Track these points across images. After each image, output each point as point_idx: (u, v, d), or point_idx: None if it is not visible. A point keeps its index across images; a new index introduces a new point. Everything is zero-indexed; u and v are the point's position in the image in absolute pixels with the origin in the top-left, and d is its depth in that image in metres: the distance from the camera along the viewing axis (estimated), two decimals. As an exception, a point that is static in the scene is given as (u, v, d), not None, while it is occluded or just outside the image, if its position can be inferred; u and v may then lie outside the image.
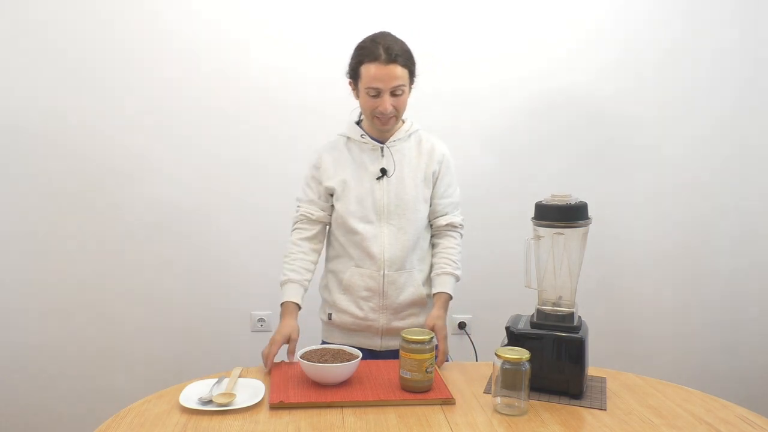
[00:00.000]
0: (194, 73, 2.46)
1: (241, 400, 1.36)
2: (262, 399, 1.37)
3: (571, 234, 1.48)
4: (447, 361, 1.67)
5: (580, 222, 1.47)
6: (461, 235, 1.81)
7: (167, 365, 2.57)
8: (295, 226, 1.79)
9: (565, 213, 1.46)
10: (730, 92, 2.67)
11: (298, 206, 1.80)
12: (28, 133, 2.42)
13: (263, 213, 2.55)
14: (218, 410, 1.31)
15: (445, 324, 1.66)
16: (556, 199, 1.49)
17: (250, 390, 1.41)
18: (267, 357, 1.56)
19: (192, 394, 1.38)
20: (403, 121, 1.76)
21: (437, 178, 1.75)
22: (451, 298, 1.72)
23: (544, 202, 1.50)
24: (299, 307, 1.70)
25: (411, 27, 2.32)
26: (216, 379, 1.47)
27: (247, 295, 2.59)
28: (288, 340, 1.61)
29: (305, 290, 1.73)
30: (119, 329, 2.54)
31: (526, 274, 1.52)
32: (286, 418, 1.30)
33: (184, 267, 2.55)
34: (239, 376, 1.49)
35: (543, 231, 1.50)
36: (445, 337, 1.63)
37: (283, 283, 1.72)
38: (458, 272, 1.74)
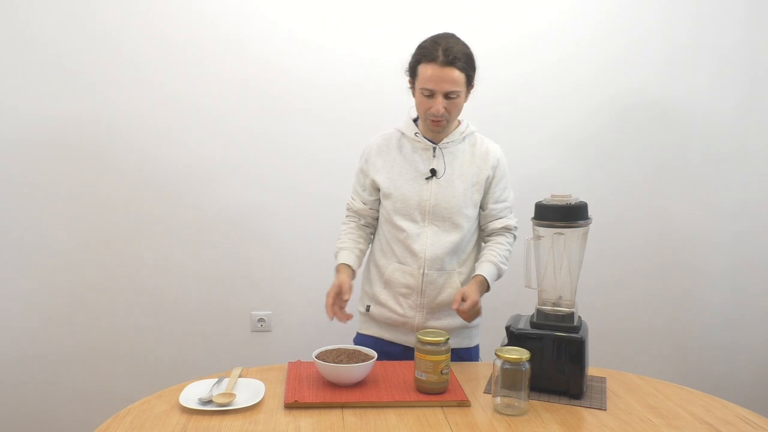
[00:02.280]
0: (196, 76, 2.46)
1: (241, 400, 1.36)
2: (262, 399, 1.37)
3: (571, 234, 1.48)
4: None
5: (580, 222, 1.47)
6: (515, 237, 1.79)
7: (167, 365, 2.57)
8: (346, 214, 1.85)
9: (565, 213, 1.46)
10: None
11: (351, 196, 1.84)
12: (31, 137, 2.42)
13: (263, 213, 2.55)
14: (218, 410, 1.31)
15: (474, 292, 1.61)
16: (556, 199, 1.49)
17: (250, 390, 1.41)
18: (330, 308, 1.62)
19: (192, 394, 1.38)
20: (459, 122, 1.74)
21: (491, 183, 1.73)
22: (486, 281, 1.67)
23: (544, 202, 1.50)
24: (353, 271, 1.73)
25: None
26: (216, 379, 1.47)
27: (247, 295, 2.59)
28: (340, 291, 1.64)
29: (358, 259, 1.77)
30: (119, 329, 2.54)
31: (526, 274, 1.52)
32: (286, 418, 1.30)
33: (184, 267, 2.55)
34: (239, 376, 1.49)
35: (543, 231, 1.50)
36: (476, 302, 1.60)
37: (336, 253, 1.77)
38: (502, 265, 1.71)
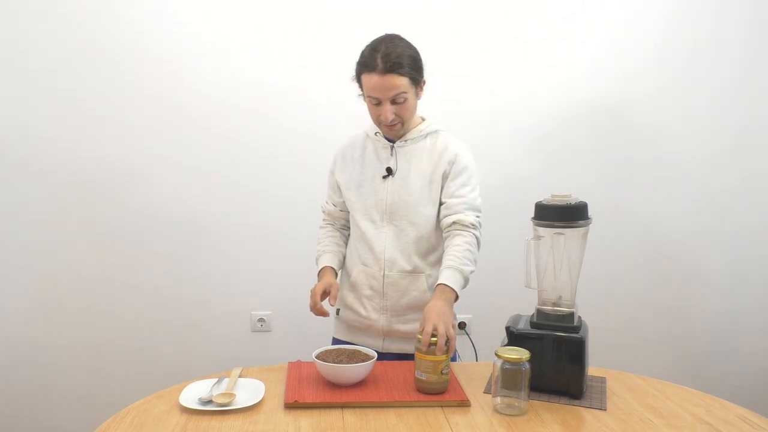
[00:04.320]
0: (195, 78, 2.46)
1: (241, 400, 1.36)
2: (262, 399, 1.37)
3: (571, 234, 1.48)
4: (453, 359, 1.64)
5: (580, 222, 1.47)
6: (474, 235, 1.64)
7: (167, 365, 2.57)
8: (322, 218, 1.89)
9: (565, 213, 1.46)
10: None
11: (325, 200, 1.88)
12: (30, 135, 2.42)
13: (263, 213, 2.55)
14: (218, 410, 1.31)
15: (431, 311, 1.46)
16: (556, 199, 1.49)
17: (250, 390, 1.41)
18: (314, 308, 1.63)
19: (192, 394, 1.38)
20: (423, 120, 1.73)
21: (447, 178, 1.68)
22: (450, 289, 1.54)
23: (544, 202, 1.50)
24: (335, 271, 1.75)
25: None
26: (216, 379, 1.47)
27: (247, 295, 2.59)
28: (328, 290, 1.65)
29: (339, 260, 1.78)
30: (119, 329, 2.54)
31: (526, 274, 1.52)
32: (286, 418, 1.30)
33: (184, 267, 2.55)
34: (239, 376, 1.49)
35: (543, 231, 1.50)
36: (433, 331, 1.41)
37: (317, 259, 1.80)
38: (465, 267, 1.58)
